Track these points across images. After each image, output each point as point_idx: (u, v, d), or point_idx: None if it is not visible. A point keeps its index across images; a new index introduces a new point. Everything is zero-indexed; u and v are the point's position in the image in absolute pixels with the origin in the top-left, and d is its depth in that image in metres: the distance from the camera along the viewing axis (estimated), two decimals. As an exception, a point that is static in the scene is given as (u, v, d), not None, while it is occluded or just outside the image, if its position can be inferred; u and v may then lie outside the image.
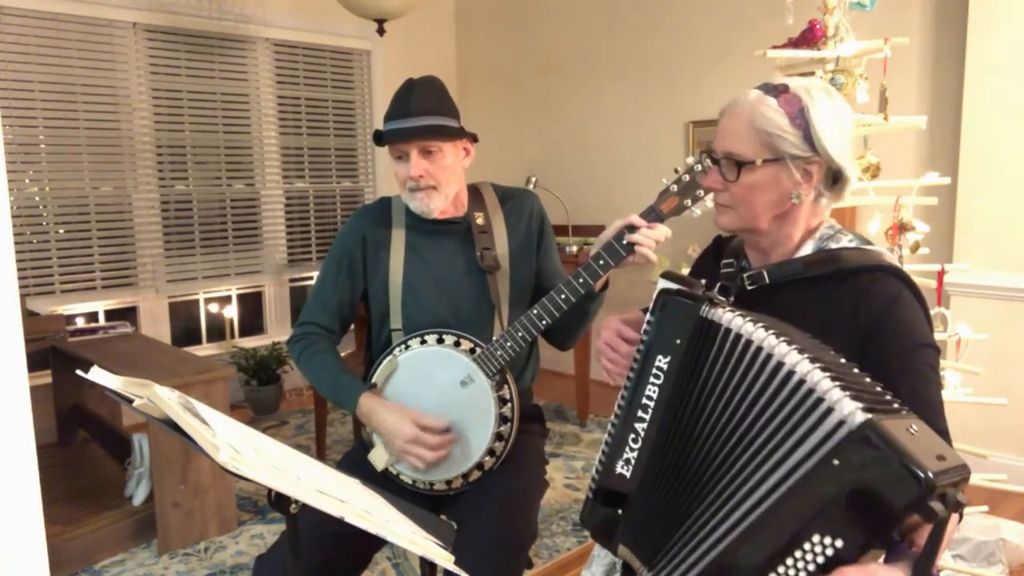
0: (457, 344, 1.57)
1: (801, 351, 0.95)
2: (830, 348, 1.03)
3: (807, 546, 0.88)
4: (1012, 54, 2.84)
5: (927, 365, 1.12)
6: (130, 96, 3.90)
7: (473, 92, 5.13)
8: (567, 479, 3.19)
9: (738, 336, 1.01)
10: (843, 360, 1.00)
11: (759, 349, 0.98)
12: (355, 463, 1.64)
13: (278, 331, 4.59)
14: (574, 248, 4.19)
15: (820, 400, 0.90)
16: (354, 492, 1.06)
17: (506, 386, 1.57)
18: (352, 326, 1.80)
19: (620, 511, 1.12)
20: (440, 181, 1.61)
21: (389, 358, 1.60)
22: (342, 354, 1.73)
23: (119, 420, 3.47)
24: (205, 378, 2.62)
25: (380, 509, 1.05)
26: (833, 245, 1.19)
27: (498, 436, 1.56)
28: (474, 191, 1.75)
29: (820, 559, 0.88)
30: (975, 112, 2.95)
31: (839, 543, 0.86)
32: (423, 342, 1.59)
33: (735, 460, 0.99)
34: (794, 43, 2.19)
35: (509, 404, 1.57)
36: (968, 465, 0.87)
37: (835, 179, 1.19)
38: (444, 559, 0.96)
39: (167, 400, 0.90)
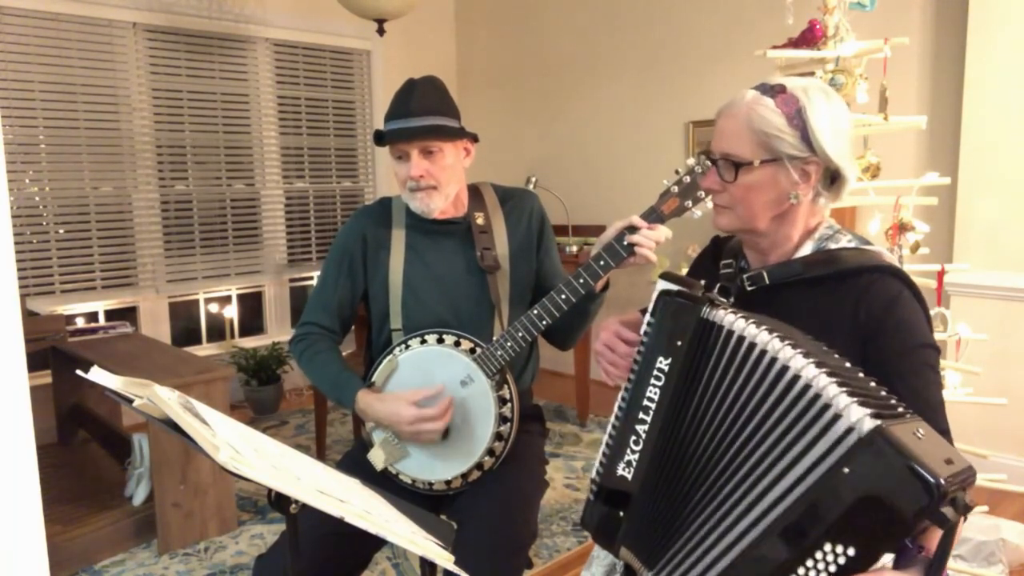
0: (457, 344, 1.57)
1: (806, 355, 0.94)
2: (833, 351, 1.02)
3: (819, 555, 0.87)
4: (1012, 54, 2.84)
5: (927, 365, 1.12)
6: (130, 96, 3.90)
7: (473, 92, 5.12)
8: (567, 479, 3.19)
9: (741, 338, 1.00)
10: (847, 364, 0.99)
11: (763, 352, 0.97)
12: (355, 463, 1.64)
13: (278, 331, 4.59)
14: (574, 248, 4.19)
15: (827, 406, 0.89)
16: (354, 492, 1.06)
17: (506, 386, 1.57)
18: (352, 326, 1.80)
19: (622, 513, 1.11)
20: (440, 181, 1.61)
21: (389, 358, 1.60)
22: (343, 354, 1.73)
23: (119, 420, 3.47)
24: (205, 378, 2.62)
25: (380, 509, 1.05)
26: (832, 245, 1.19)
27: (498, 436, 1.56)
28: (474, 191, 1.75)
29: (832, 568, 0.86)
30: (975, 112, 2.95)
31: (851, 551, 0.85)
32: (423, 342, 1.59)
33: (739, 466, 0.97)
34: (794, 43, 2.19)
35: (509, 404, 1.57)
36: (973, 466, 0.87)
37: (833, 179, 1.18)
38: (444, 559, 0.96)
39: (167, 400, 0.90)
